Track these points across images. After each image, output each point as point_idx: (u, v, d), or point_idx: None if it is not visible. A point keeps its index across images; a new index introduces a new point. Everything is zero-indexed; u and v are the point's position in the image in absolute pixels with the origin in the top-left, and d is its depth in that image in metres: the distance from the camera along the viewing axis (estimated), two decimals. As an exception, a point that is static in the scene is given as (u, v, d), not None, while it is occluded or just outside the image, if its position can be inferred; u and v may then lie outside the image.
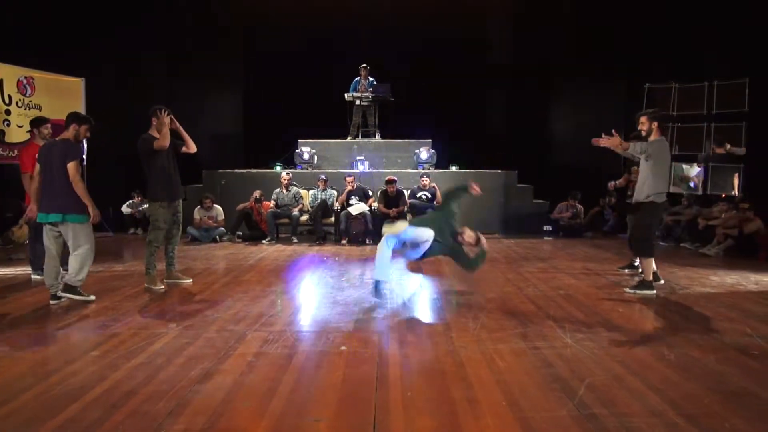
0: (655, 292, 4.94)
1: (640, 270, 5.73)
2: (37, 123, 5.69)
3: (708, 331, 3.81)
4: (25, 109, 8.20)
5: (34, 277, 5.58)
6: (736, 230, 7.39)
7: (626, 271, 6.01)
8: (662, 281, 5.37)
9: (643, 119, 5.01)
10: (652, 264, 5.05)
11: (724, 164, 9.28)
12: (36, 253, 5.55)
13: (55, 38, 9.11)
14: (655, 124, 4.94)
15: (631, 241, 5.43)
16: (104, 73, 9.59)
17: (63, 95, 8.81)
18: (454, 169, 10.23)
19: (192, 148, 5.35)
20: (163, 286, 5.11)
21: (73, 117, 4.65)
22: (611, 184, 6.83)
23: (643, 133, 5.03)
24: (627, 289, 5.02)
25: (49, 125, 5.73)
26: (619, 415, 2.46)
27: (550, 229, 9.53)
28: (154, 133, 5.08)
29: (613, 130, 5.03)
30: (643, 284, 4.98)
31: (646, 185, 4.89)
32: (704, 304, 4.61)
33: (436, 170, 10.09)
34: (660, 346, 3.43)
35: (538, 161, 11.48)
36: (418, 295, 4.99)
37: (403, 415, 2.47)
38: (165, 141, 5.02)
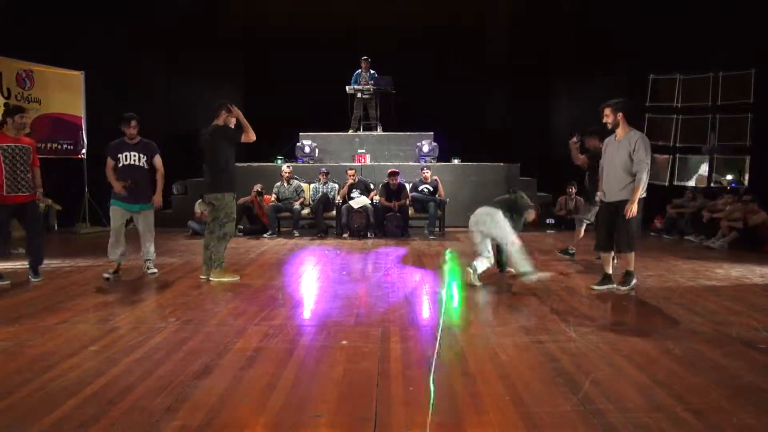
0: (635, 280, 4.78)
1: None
2: (11, 112, 5.03)
3: (714, 324, 3.77)
4: (25, 102, 8.14)
5: (32, 279, 5.17)
6: (740, 223, 7.32)
7: (566, 256, 6.27)
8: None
9: (607, 111, 4.60)
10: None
11: (728, 156, 9.21)
12: (30, 252, 5.26)
13: (54, 31, 9.05)
14: (620, 116, 4.55)
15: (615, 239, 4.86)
16: (104, 66, 9.53)
17: (62, 89, 8.77)
18: (456, 162, 10.15)
19: (252, 136, 5.20)
20: (238, 277, 5.20)
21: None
22: (573, 141, 6.11)
23: (609, 126, 4.64)
24: (620, 287, 4.69)
25: (24, 114, 5.08)
26: (624, 410, 2.42)
27: (553, 222, 9.47)
28: (221, 123, 5.15)
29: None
30: (630, 275, 4.71)
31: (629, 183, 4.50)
32: (709, 298, 4.57)
33: (438, 163, 10.02)
34: (665, 341, 3.39)
35: (541, 154, 11.39)
36: (419, 289, 4.95)
37: (404, 410, 2.43)
38: (253, 134, 5.15)
